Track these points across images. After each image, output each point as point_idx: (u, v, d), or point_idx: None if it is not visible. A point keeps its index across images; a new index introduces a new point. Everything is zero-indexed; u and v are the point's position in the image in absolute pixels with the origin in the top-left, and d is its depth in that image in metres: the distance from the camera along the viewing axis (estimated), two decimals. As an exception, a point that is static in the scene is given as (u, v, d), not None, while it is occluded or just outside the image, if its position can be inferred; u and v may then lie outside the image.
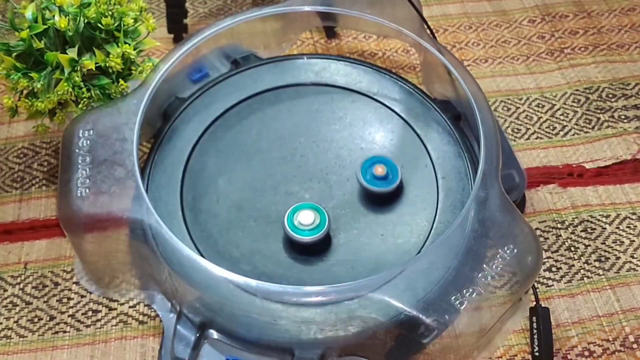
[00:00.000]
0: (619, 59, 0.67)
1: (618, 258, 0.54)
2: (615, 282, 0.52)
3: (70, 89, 0.50)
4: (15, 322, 0.50)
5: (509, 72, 0.66)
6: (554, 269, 0.53)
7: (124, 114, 0.49)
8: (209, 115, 0.53)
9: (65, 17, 0.50)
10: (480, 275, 0.44)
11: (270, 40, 0.61)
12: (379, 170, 0.48)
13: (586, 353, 0.49)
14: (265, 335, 0.45)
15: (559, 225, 0.56)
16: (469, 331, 0.44)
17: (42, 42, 0.50)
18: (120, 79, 0.52)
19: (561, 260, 0.54)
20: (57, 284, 0.52)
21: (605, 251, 0.54)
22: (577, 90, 0.65)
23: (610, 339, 0.49)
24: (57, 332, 0.50)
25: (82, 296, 0.52)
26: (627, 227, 0.55)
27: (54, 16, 0.50)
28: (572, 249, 0.54)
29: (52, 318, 0.50)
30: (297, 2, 0.55)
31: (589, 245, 0.54)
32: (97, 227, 0.47)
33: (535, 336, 0.48)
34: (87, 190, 0.47)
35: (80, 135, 0.48)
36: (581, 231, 0.55)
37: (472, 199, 0.46)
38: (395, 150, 0.52)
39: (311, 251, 0.47)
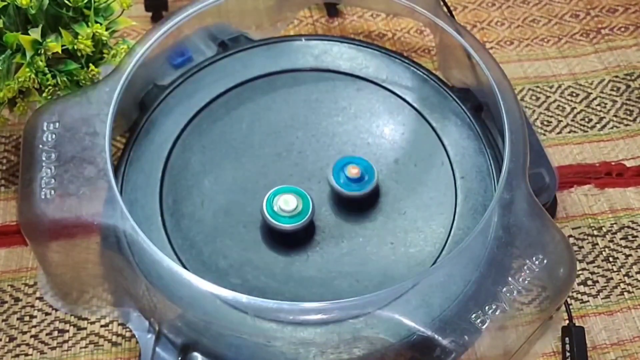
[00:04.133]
0: (664, 40, 0.67)
1: (663, 270, 0.54)
2: (660, 298, 0.52)
3: (33, 75, 0.50)
4: (-31, 343, 0.50)
5: (538, 56, 0.66)
6: (589, 282, 0.53)
7: (94, 104, 0.49)
8: (192, 105, 0.53)
9: (27, -8, 0.50)
10: (504, 289, 0.44)
11: (263, 19, 0.61)
12: (353, 171, 0.49)
13: (627, 379, 0.49)
14: (258, 358, 0.45)
15: (595, 232, 0.56)
16: (492, 354, 0.44)
17: (0, 21, 0.50)
18: (90, 64, 0.52)
19: (598, 273, 0.54)
20: (17, 300, 0.52)
21: (648, 262, 0.54)
22: (616, 76, 0.65)
23: (655, 363, 0.50)
24: (17, 355, 0.50)
25: (47, 314, 0.52)
26: (673, 234, 0.55)
27: (14, -9, 0.50)
28: (611, 259, 0.54)
29: (12, 339, 0.50)
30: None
31: (630, 255, 0.55)
32: (64, 234, 0.47)
33: (568, 360, 0.48)
34: (53, 192, 0.47)
35: (45, 128, 0.48)
36: (621, 239, 0.55)
37: (495, 201, 0.46)
38: (407, 146, 0.52)
39: (297, 245, 0.48)
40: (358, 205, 0.49)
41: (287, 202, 0.47)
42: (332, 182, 0.49)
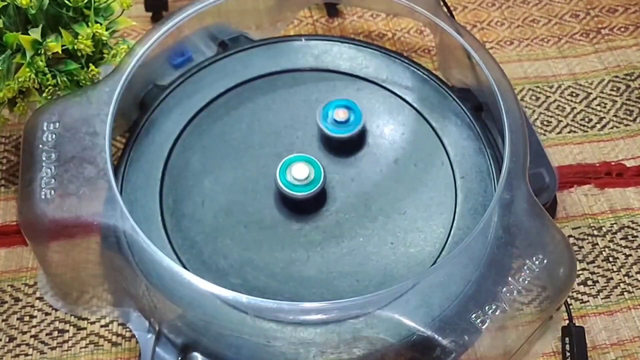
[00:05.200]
0: (664, 40, 0.67)
1: (663, 270, 0.54)
2: (660, 298, 0.52)
3: (33, 75, 0.50)
4: (-31, 343, 0.50)
5: (538, 56, 0.66)
6: (589, 282, 0.53)
7: (94, 104, 0.49)
8: (192, 105, 0.53)
9: (28, -8, 0.50)
10: (504, 289, 0.44)
11: (263, 18, 0.61)
12: (340, 114, 0.51)
13: (627, 379, 0.49)
14: (258, 358, 0.45)
15: (595, 232, 0.56)
16: (492, 354, 0.44)
17: (0, 21, 0.50)
18: (90, 64, 0.52)
19: (598, 273, 0.54)
20: (17, 300, 0.52)
21: (648, 262, 0.54)
22: (616, 76, 0.65)
23: (655, 363, 0.50)
24: (17, 355, 0.50)
25: (47, 314, 0.52)
26: (673, 234, 0.55)
27: (14, -9, 0.50)
28: (611, 259, 0.54)
29: (12, 339, 0.50)
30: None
31: (630, 255, 0.55)
32: (64, 234, 0.47)
33: (568, 360, 0.48)
34: (53, 192, 0.47)
35: (45, 128, 0.48)
36: (621, 239, 0.55)
37: (495, 201, 0.46)
38: (407, 146, 0.52)
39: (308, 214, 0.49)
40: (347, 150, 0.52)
41: (300, 172, 0.48)
42: (320, 125, 0.51)
